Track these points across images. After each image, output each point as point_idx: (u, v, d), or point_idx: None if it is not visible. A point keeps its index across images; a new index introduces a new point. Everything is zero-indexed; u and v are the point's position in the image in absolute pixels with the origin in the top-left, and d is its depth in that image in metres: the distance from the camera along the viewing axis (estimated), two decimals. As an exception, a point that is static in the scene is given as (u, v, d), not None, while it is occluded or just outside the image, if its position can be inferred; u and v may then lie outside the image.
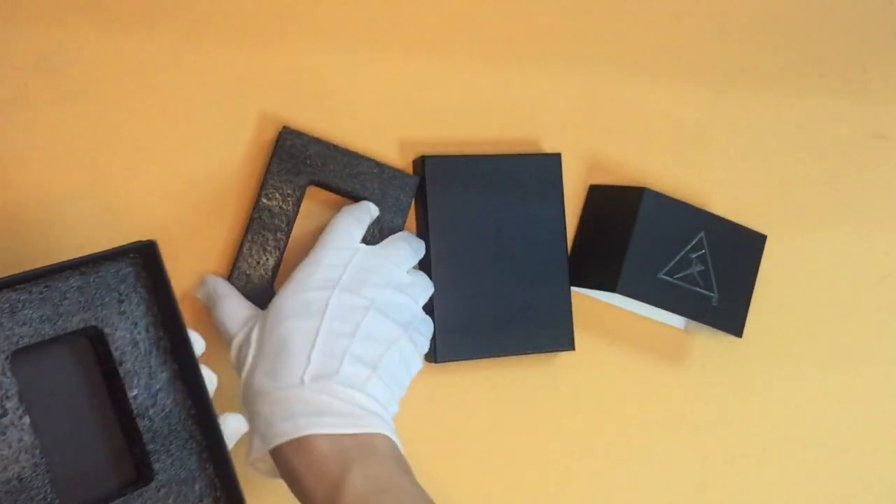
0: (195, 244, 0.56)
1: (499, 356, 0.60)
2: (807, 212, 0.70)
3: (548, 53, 0.64)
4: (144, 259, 0.45)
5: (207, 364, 0.47)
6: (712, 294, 0.62)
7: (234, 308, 0.53)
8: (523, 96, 0.63)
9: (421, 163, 0.59)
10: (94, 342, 0.45)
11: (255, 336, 0.51)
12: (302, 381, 0.48)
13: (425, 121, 0.61)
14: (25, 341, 0.42)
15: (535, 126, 0.63)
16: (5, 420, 0.42)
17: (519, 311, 0.60)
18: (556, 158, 0.61)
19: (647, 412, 0.65)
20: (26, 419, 0.42)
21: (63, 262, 0.43)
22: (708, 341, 0.67)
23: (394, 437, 0.49)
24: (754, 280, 0.64)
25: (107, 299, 0.45)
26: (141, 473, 0.45)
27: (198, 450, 0.46)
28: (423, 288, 0.56)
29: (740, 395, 0.68)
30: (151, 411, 0.45)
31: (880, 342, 0.71)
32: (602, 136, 0.65)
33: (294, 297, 0.51)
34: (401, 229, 0.58)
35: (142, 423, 0.45)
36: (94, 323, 0.44)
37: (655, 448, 0.65)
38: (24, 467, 0.42)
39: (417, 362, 0.54)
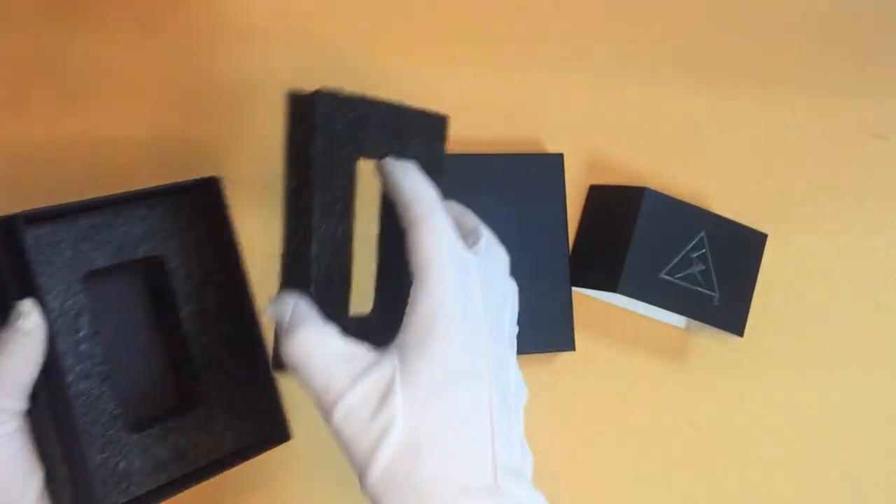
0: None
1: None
2: (807, 212, 0.70)
3: (548, 53, 0.64)
4: (209, 194, 0.48)
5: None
6: (713, 293, 0.62)
7: (332, 348, 0.38)
8: (524, 96, 0.63)
9: None
10: (156, 271, 0.47)
11: (402, 404, 0.37)
12: (496, 478, 0.38)
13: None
14: (98, 264, 0.45)
15: (535, 126, 0.63)
16: (79, 336, 0.44)
17: (519, 310, 0.60)
18: (557, 159, 0.61)
19: (647, 412, 0.65)
20: (98, 337, 0.44)
21: (132, 191, 0.46)
22: (708, 341, 0.67)
23: None
24: (755, 279, 0.64)
25: (170, 231, 0.47)
26: (193, 398, 0.48)
27: (246, 379, 0.48)
28: (502, 255, 0.46)
29: (740, 395, 0.68)
30: (203, 339, 0.48)
31: (880, 342, 0.71)
32: (602, 136, 0.65)
33: (458, 348, 0.38)
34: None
35: (194, 351, 0.47)
36: (157, 252, 0.47)
37: (655, 448, 0.65)
38: (93, 384, 0.44)
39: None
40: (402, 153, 0.45)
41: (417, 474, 0.36)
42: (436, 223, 0.40)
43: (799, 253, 0.69)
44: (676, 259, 0.61)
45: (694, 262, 0.61)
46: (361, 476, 0.37)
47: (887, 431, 0.71)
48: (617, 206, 0.62)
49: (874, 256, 0.71)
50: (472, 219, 0.46)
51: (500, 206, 0.60)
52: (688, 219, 0.62)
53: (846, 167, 0.71)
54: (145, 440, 0.45)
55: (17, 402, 0.40)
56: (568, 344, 0.61)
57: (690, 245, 0.61)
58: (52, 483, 0.42)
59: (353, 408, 0.37)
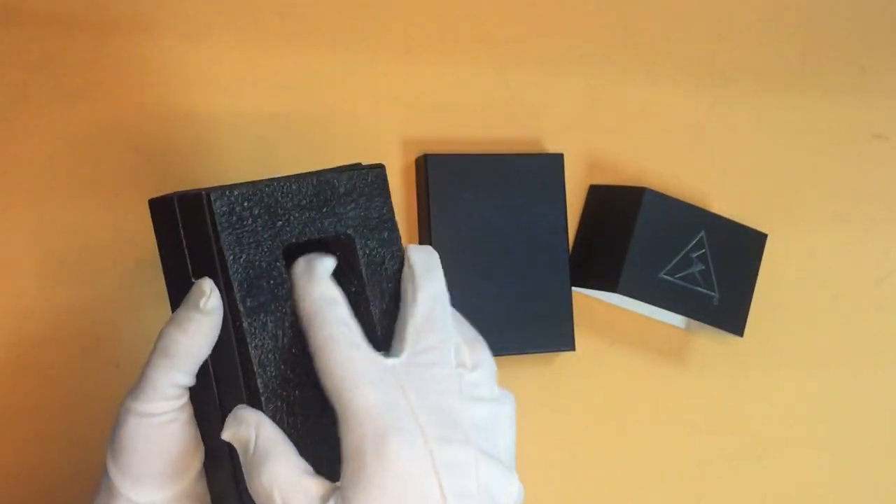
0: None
1: (498, 356, 0.60)
2: (807, 212, 0.70)
3: (548, 53, 0.64)
4: (381, 180, 0.46)
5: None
6: (713, 293, 0.62)
7: (295, 477, 0.37)
8: (524, 96, 0.63)
9: (423, 161, 0.59)
10: (341, 252, 0.45)
11: None
12: None
13: (426, 120, 0.61)
14: (288, 239, 0.42)
15: (536, 126, 0.63)
16: (277, 312, 0.41)
17: (519, 310, 0.60)
18: (558, 159, 0.61)
19: (647, 412, 0.65)
20: (279, 313, 0.42)
21: (320, 169, 0.45)
22: (708, 341, 0.67)
23: None
24: (755, 279, 0.64)
25: (353, 213, 0.44)
26: None
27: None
28: (489, 366, 0.45)
29: (740, 395, 0.68)
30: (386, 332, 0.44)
31: (880, 342, 0.71)
32: (602, 136, 0.65)
33: (388, 478, 0.36)
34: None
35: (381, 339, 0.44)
36: (343, 231, 0.44)
37: (655, 448, 0.65)
38: (279, 364, 0.41)
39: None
40: (337, 225, 0.44)
41: None
42: (332, 329, 0.39)
43: (799, 253, 0.69)
44: (676, 259, 0.61)
45: (694, 262, 0.61)
46: None
47: (886, 431, 0.71)
48: (617, 206, 0.62)
49: (874, 256, 0.71)
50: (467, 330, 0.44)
51: (500, 205, 0.60)
52: (688, 219, 0.62)
53: (846, 167, 0.71)
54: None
55: (189, 378, 0.40)
56: (568, 344, 0.61)
57: (690, 245, 0.61)
58: (210, 460, 0.42)
59: None
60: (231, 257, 0.40)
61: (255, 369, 0.40)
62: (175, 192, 0.44)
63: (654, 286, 0.60)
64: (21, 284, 0.53)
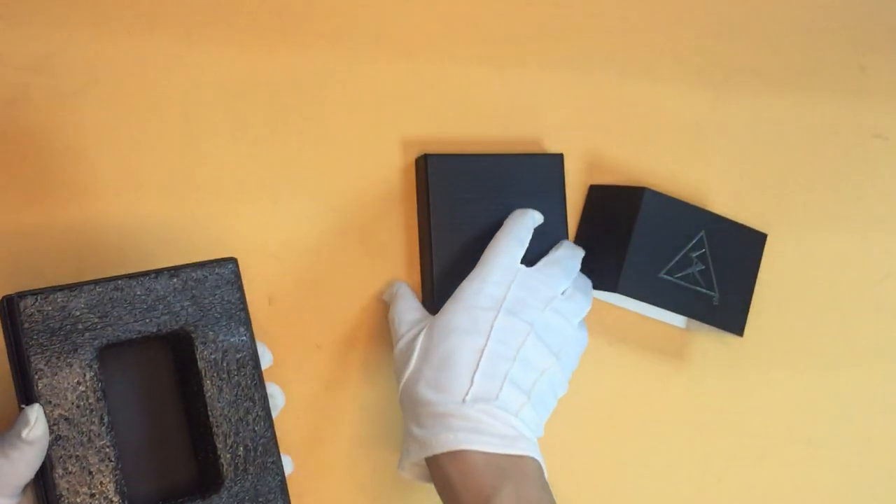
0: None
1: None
2: (807, 212, 0.70)
3: (548, 53, 0.64)
4: (229, 274, 0.47)
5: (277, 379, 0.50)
6: (713, 293, 0.62)
7: (406, 309, 0.56)
8: (524, 96, 0.63)
9: (423, 161, 0.59)
10: (180, 347, 0.47)
11: (420, 343, 0.54)
12: (464, 400, 0.51)
13: (427, 121, 0.61)
14: (114, 338, 0.44)
15: (535, 126, 0.63)
16: (89, 418, 0.43)
17: None
18: (558, 158, 0.61)
19: (647, 412, 0.65)
20: (106, 419, 0.44)
21: (157, 269, 0.45)
22: (708, 341, 0.66)
23: (541, 462, 0.52)
24: (755, 279, 0.64)
25: (191, 309, 0.46)
26: (211, 481, 0.47)
27: (272, 469, 0.47)
28: (579, 307, 0.57)
29: (740, 395, 0.67)
30: (226, 424, 0.46)
31: (880, 342, 0.71)
32: (602, 136, 0.65)
33: (462, 313, 0.53)
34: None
35: (217, 432, 0.46)
36: (179, 327, 0.45)
37: (655, 448, 0.65)
38: (96, 461, 0.44)
39: (564, 387, 0.56)
40: (171, 321, 0.45)
41: (417, 387, 0.52)
42: (503, 241, 0.57)
43: (799, 253, 0.69)
44: (676, 259, 0.61)
45: (694, 262, 0.61)
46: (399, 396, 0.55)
47: (886, 431, 0.71)
48: (617, 206, 0.62)
49: (874, 257, 0.71)
50: (562, 256, 0.59)
51: (500, 205, 0.60)
52: (687, 219, 0.62)
53: (846, 167, 0.71)
54: None
55: (10, 500, 0.43)
56: None
57: (690, 245, 0.61)
58: None
59: (400, 346, 0.55)
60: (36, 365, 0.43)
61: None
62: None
63: (653, 286, 0.60)
64: (21, 284, 0.53)
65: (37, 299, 0.42)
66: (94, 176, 0.54)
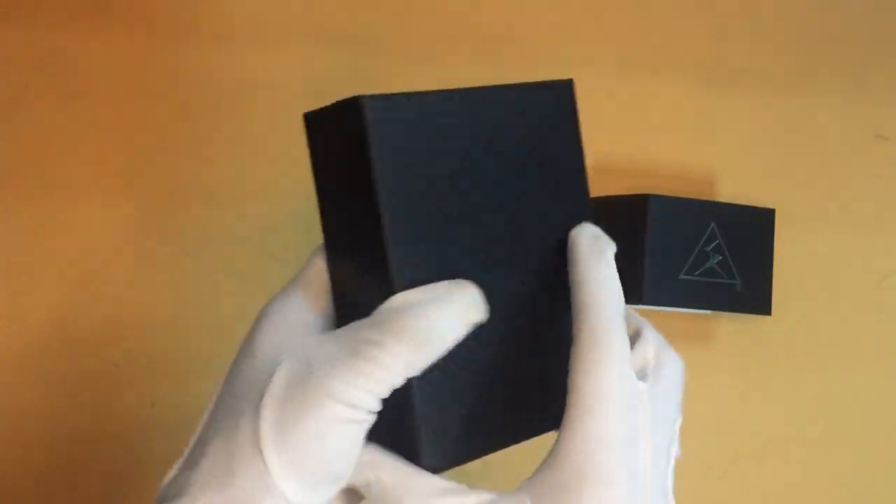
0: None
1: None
2: (808, 212, 0.70)
3: (548, 53, 0.64)
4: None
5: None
6: (735, 281, 0.62)
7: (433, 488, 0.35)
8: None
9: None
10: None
11: None
12: None
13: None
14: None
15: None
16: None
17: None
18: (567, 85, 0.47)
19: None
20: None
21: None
22: (708, 342, 0.66)
23: None
24: (772, 255, 0.64)
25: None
26: None
27: None
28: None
29: (740, 396, 0.67)
30: None
31: (881, 342, 0.71)
32: (602, 137, 0.65)
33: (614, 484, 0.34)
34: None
35: None
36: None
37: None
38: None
39: None
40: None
41: None
42: (612, 348, 0.35)
43: (800, 253, 0.69)
44: (692, 257, 0.61)
45: (710, 256, 0.61)
46: None
47: (887, 431, 0.71)
48: (624, 218, 0.62)
49: (875, 257, 0.71)
50: (634, 318, 0.40)
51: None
52: (695, 214, 0.62)
53: (846, 167, 0.71)
54: None
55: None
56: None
57: (703, 239, 0.61)
58: None
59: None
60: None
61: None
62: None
63: (676, 289, 0.60)
64: (21, 284, 0.53)
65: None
66: (95, 176, 0.54)
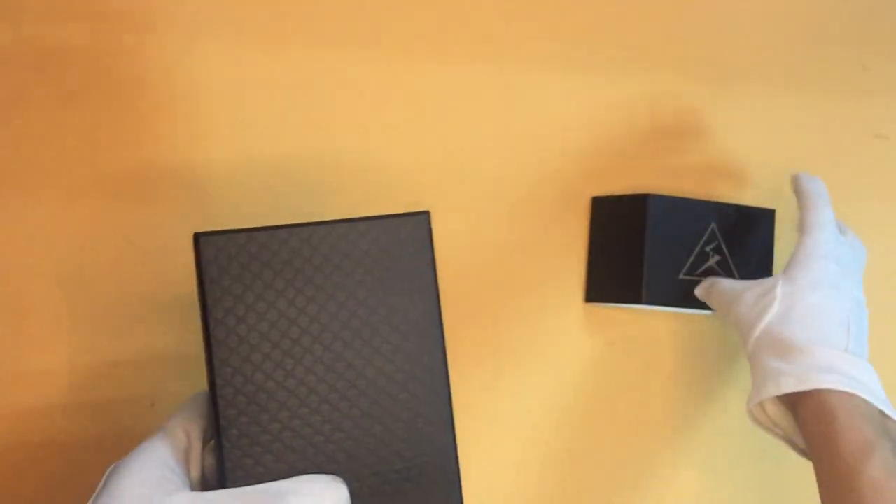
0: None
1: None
2: (808, 212, 0.70)
3: (548, 53, 0.64)
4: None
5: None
6: None
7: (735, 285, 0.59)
8: (524, 96, 0.63)
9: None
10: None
11: (780, 290, 0.56)
12: (846, 349, 0.54)
13: (427, 121, 0.61)
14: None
15: (535, 126, 0.63)
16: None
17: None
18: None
19: (647, 412, 0.65)
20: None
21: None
22: (708, 342, 0.66)
23: None
24: (772, 256, 0.64)
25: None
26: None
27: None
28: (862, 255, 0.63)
29: (740, 395, 0.67)
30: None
31: (881, 342, 0.71)
32: (602, 137, 0.65)
33: (828, 273, 0.56)
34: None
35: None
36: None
37: (655, 448, 0.65)
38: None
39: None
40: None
41: (785, 332, 0.54)
42: (827, 208, 0.59)
43: (800, 253, 0.69)
44: (692, 257, 0.61)
45: (710, 256, 0.61)
46: (747, 338, 0.56)
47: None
48: (623, 217, 0.62)
49: (876, 257, 0.71)
50: (841, 225, 0.62)
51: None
52: (695, 214, 0.62)
53: (846, 167, 0.71)
54: None
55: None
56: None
57: (703, 239, 0.61)
58: None
59: (746, 298, 0.57)
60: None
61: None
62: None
63: (676, 289, 0.60)
64: (21, 284, 0.53)
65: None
66: (94, 176, 0.54)
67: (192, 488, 0.40)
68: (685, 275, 0.60)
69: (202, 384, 0.44)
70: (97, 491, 0.38)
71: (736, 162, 0.68)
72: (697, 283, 0.61)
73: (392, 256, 0.43)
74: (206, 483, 0.42)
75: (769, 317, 0.55)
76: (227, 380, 0.40)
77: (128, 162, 0.54)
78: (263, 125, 0.57)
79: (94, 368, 0.53)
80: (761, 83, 0.69)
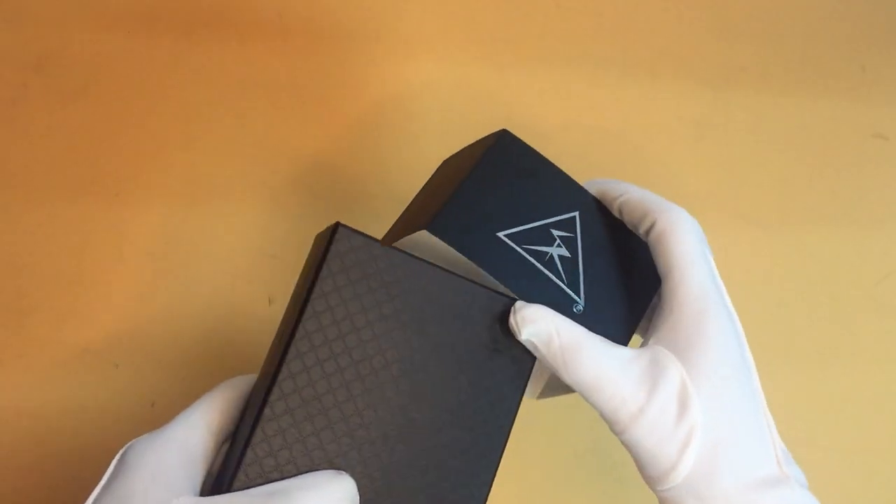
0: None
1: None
2: (807, 212, 0.70)
3: (548, 53, 0.64)
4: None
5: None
6: (577, 300, 0.43)
7: (614, 362, 0.38)
8: (524, 96, 0.63)
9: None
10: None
11: (697, 404, 0.38)
12: (780, 469, 0.40)
13: (427, 121, 0.61)
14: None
15: (535, 126, 0.63)
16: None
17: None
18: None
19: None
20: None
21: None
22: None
23: None
24: (648, 301, 0.45)
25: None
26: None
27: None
28: None
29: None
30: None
31: (880, 342, 0.71)
32: (602, 137, 0.65)
33: (726, 339, 0.39)
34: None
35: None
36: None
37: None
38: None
39: None
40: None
41: (717, 476, 0.37)
42: (685, 225, 0.41)
43: (799, 253, 0.69)
44: (530, 225, 0.42)
45: (555, 242, 0.43)
46: (661, 482, 0.38)
47: (887, 431, 0.71)
48: (472, 153, 0.46)
49: (874, 257, 0.71)
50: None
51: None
52: (562, 191, 0.45)
53: (846, 167, 0.71)
54: None
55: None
56: None
57: (555, 219, 0.44)
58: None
59: (656, 420, 0.37)
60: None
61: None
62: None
63: (480, 239, 0.41)
64: (21, 284, 0.53)
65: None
66: (94, 176, 0.54)
67: (204, 482, 0.39)
68: (508, 237, 0.42)
69: (202, 385, 0.43)
70: (109, 471, 0.37)
71: (736, 162, 0.68)
72: (521, 257, 0.42)
73: (500, 334, 0.40)
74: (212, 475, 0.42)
75: (692, 457, 0.38)
76: (292, 373, 0.38)
77: (128, 162, 0.54)
78: (265, 127, 0.57)
79: (94, 368, 0.53)
80: (761, 83, 0.69)
